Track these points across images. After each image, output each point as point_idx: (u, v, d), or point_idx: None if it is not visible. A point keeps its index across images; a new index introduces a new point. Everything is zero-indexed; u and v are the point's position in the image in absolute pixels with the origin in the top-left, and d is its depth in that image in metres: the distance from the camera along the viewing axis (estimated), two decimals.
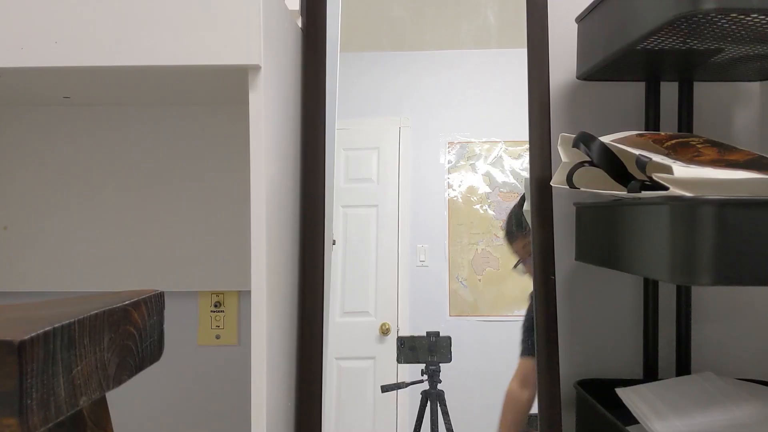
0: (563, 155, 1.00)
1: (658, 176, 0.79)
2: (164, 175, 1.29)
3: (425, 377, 1.13)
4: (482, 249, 1.18)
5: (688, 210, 0.77)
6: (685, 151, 0.93)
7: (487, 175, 1.20)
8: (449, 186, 1.20)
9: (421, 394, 1.13)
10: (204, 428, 1.29)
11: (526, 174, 1.16)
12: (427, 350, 1.12)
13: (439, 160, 1.21)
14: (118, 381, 0.53)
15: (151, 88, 1.13)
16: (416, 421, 1.12)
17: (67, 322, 0.45)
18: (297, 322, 1.11)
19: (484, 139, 1.20)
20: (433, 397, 1.12)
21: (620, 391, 1.03)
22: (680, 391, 1.02)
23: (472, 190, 1.20)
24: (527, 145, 1.15)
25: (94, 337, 0.49)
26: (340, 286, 1.16)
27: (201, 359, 1.29)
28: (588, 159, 0.93)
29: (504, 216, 1.18)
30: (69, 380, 0.45)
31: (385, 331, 1.16)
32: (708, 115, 1.24)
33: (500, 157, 1.19)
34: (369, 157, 1.20)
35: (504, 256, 1.18)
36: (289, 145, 1.07)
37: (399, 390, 1.14)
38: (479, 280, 1.18)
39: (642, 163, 0.82)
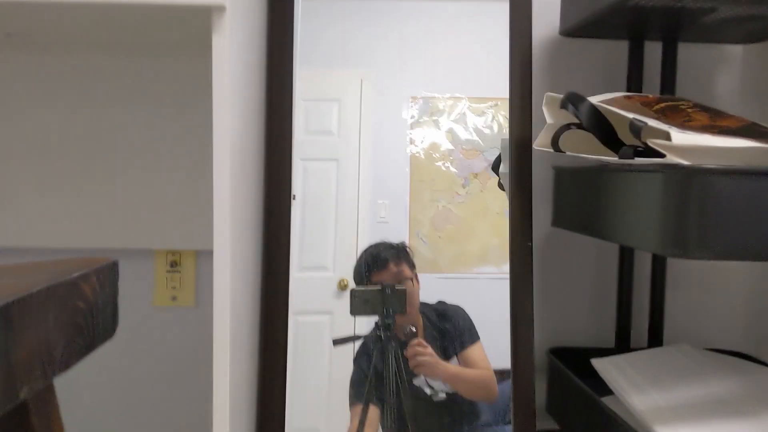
0: (548, 116, 0.94)
1: (654, 142, 0.75)
2: (118, 126, 1.20)
3: (380, 330, 1.10)
4: (443, 206, 1.16)
5: (684, 179, 0.73)
6: (675, 116, 0.89)
7: (450, 132, 1.17)
8: (411, 142, 1.17)
9: (374, 345, 1.11)
10: (160, 393, 1.23)
11: (489, 132, 1.14)
12: (381, 302, 1.10)
13: (401, 115, 1.17)
14: (66, 365, 0.46)
15: (104, 30, 1.04)
16: (372, 374, 1.10)
17: (3, 303, 0.38)
18: (261, 282, 1.05)
19: (447, 95, 1.17)
20: (388, 350, 1.09)
21: (596, 362, 1.00)
22: (657, 362, 1.00)
23: (434, 146, 1.17)
24: (491, 103, 1.13)
25: (36, 318, 0.42)
26: (299, 241, 1.13)
27: (156, 321, 1.23)
28: (576, 121, 0.87)
29: (466, 173, 1.16)
30: (6, 370, 0.38)
31: (343, 286, 1.14)
32: (690, 77, 1.20)
33: (464, 113, 1.17)
34: (329, 109, 1.16)
35: (466, 213, 1.16)
36: (253, 95, 1.00)
37: (356, 343, 1.12)
38: (440, 237, 1.16)
39: (637, 128, 0.77)
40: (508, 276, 1.08)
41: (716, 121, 0.87)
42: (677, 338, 1.15)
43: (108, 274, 0.52)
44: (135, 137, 1.20)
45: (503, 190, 1.14)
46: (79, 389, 1.18)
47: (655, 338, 1.15)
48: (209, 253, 0.85)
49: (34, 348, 0.41)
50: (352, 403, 1.11)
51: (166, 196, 1.19)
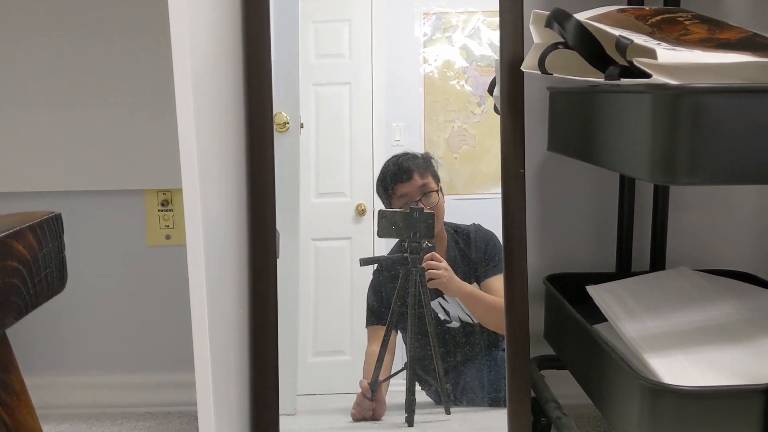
0: (535, 35, 0.89)
1: (639, 61, 0.69)
2: (102, 64, 1.17)
3: (407, 253, 1.09)
4: (458, 126, 1.14)
5: (671, 100, 0.68)
6: (671, 29, 0.83)
7: (464, 48, 1.15)
8: (425, 60, 1.15)
9: (401, 270, 1.09)
10: (159, 331, 1.24)
11: None
12: (408, 226, 1.08)
13: (414, 33, 1.14)
14: (1, 325, 0.45)
15: None
16: (395, 298, 1.09)
17: None
18: (247, 218, 1.02)
19: (461, 9, 1.14)
20: (413, 275, 1.08)
21: (591, 289, 0.98)
22: (654, 288, 0.97)
23: (448, 64, 1.15)
24: None
25: None
26: (314, 168, 1.13)
27: (151, 260, 1.23)
28: (562, 40, 0.82)
29: (482, 91, 1.13)
30: None
31: (360, 211, 1.14)
32: None
33: (478, 28, 1.14)
34: (340, 31, 1.14)
35: (482, 132, 1.14)
36: (226, 13, 0.93)
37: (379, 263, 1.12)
38: (455, 158, 1.15)
39: (622, 46, 0.72)
40: None
41: (715, 33, 0.81)
42: (681, 260, 1.12)
43: (49, 228, 0.50)
44: (120, 74, 1.17)
45: (498, 114, 1.09)
46: (75, 319, 1.19)
47: (658, 261, 1.12)
48: None
49: None
50: (369, 323, 1.11)
51: (154, 134, 1.17)
